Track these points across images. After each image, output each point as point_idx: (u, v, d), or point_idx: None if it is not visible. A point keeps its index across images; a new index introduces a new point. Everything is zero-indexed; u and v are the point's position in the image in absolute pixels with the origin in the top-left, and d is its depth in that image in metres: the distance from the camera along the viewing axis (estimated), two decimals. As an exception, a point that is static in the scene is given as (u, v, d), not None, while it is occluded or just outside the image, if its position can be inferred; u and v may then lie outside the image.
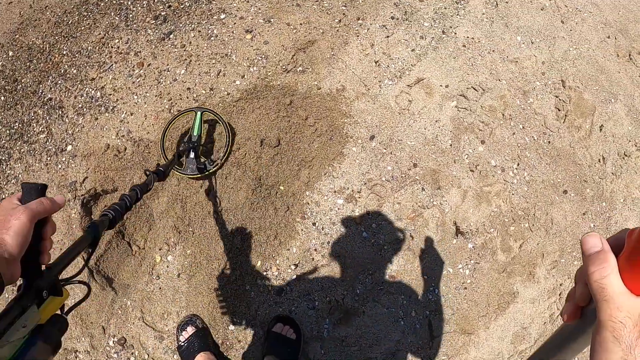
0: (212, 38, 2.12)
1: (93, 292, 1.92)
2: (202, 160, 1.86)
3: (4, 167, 2.17)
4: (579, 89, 2.13)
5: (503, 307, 1.83)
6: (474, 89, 2.03)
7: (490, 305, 1.82)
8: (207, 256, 1.85)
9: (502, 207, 1.90)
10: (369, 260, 1.79)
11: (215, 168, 1.84)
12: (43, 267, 0.77)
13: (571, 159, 2.02)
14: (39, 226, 0.75)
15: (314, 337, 1.73)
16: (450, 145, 1.94)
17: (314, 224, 1.83)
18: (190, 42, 2.13)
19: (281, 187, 1.84)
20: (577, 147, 2.03)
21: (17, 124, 2.23)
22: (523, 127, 2.02)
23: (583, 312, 0.53)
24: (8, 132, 2.23)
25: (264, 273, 1.80)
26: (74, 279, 0.86)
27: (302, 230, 1.82)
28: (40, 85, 2.27)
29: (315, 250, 1.80)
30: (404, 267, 1.80)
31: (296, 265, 1.79)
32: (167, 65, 2.10)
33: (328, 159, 1.87)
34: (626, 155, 2.05)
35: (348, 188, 1.86)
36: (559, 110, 2.08)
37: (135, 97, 2.07)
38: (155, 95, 2.05)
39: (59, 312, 0.80)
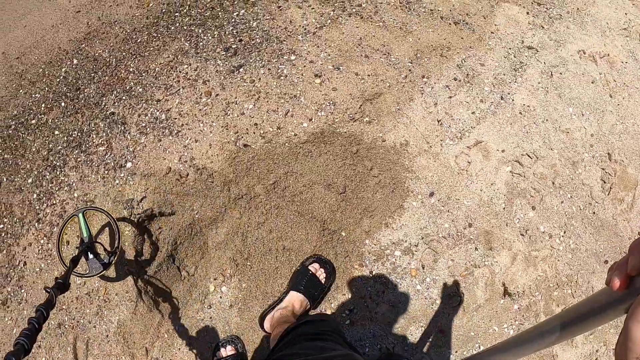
0: (282, 77, 2.20)
1: (139, 312, 1.94)
2: (101, 255, 1.85)
3: (57, 173, 2.20)
4: (623, 163, 2.24)
5: (542, 370, 1.90)
6: (528, 156, 2.13)
7: (530, 367, 1.89)
8: (263, 292, 1.90)
9: (548, 272, 1.99)
10: (420, 312, 1.86)
11: (114, 258, 1.83)
12: None
13: (613, 231, 2.12)
14: None
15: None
16: (504, 208, 2.03)
17: (370, 272, 1.89)
18: (260, 79, 2.20)
19: (343, 233, 1.91)
20: (619, 220, 2.13)
21: (75, 132, 2.27)
22: (571, 197, 2.11)
23: (632, 281, 0.53)
24: (66, 138, 2.27)
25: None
26: None
27: (358, 276, 1.88)
28: (104, 98, 2.32)
29: (370, 298, 1.87)
30: (453, 323, 1.87)
31: (350, 311, 1.85)
32: (235, 97, 2.16)
33: (389, 211, 1.94)
34: (667, 232, 2.16)
35: (406, 241, 1.93)
36: (605, 182, 2.18)
37: (201, 124, 2.13)
38: (222, 126, 2.11)
39: None
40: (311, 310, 1.87)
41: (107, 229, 1.99)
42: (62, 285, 1.37)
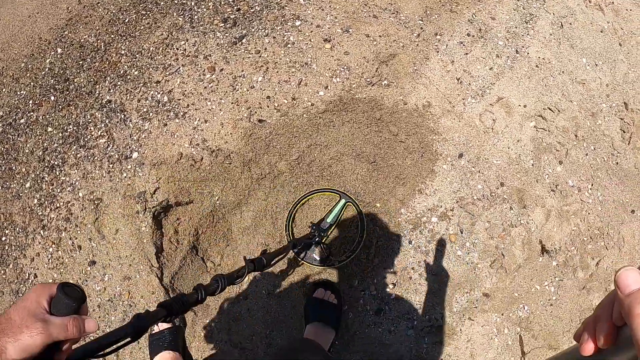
0: (289, 45, 2.06)
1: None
2: (326, 253, 1.74)
3: (57, 173, 2.03)
4: None
5: (585, 323, 1.89)
6: (550, 109, 2.08)
7: (572, 321, 1.88)
8: (300, 274, 1.80)
9: (580, 226, 1.96)
10: (464, 278, 1.81)
11: (325, 267, 1.73)
12: None
13: (636, 180, 2.11)
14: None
15: (413, 358, 1.73)
16: (532, 165, 1.98)
17: (410, 242, 1.82)
18: (266, 49, 2.06)
19: (378, 205, 1.82)
20: (642, 168, 2.12)
21: (71, 127, 2.09)
22: (594, 149, 2.09)
23: (620, 333, 0.46)
24: (61, 134, 2.09)
25: (362, 292, 1.77)
26: None
27: (399, 248, 1.81)
28: (97, 86, 2.13)
29: (413, 269, 1.80)
30: (496, 285, 1.82)
31: (394, 285, 1.78)
32: (242, 71, 2.02)
33: (421, 176, 1.86)
34: (685, 177, 2.16)
35: (441, 206, 1.86)
36: (624, 132, 2.16)
37: (209, 103, 1.98)
38: (232, 103, 1.97)
39: None
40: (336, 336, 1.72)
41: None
42: (261, 264, 1.18)
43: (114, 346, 0.72)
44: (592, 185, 2.03)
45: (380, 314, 1.76)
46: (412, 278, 1.79)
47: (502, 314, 1.81)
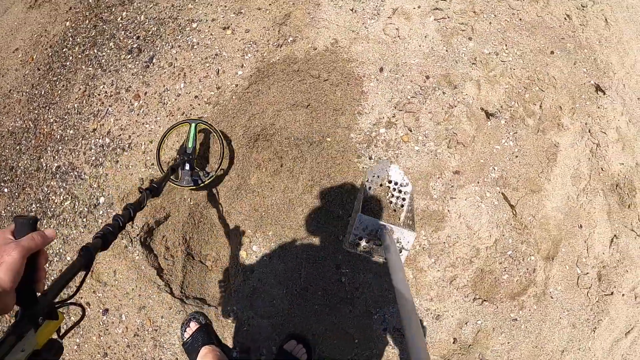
0: (195, 46, 2.18)
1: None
2: (197, 171, 1.86)
3: (41, 251, 2.09)
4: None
5: (552, 158, 2.02)
6: (442, -1, 2.24)
7: (542, 162, 2.01)
8: (289, 226, 1.90)
9: (511, 82, 2.11)
10: (430, 166, 1.93)
11: (209, 180, 1.85)
12: (38, 293, 0.79)
13: (544, 25, 2.27)
14: (32, 258, 0.78)
15: (418, 250, 1.83)
16: (446, 50, 2.13)
17: (370, 157, 1.93)
18: (176, 59, 2.18)
19: (328, 139, 1.93)
20: (544, 14, 2.29)
21: (33, 205, 2.17)
22: (495, 15, 2.25)
23: None
24: (28, 217, 2.15)
25: (348, 218, 1.88)
26: (68, 302, 0.88)
27: (363, 167, 1.92)
28: (41, 160, 2.22)
29: (380, 177, 1.91)
30: (461, 160, 1.95)
31: (373, 197, 1.89)
32: (164, 85, 2.13)
33: (355, 100, 1.99)
34: (583, 7, 2.34)
35: (383, 117, 1.99)
36: (513, -8, 2.33)
37: (147, 125, 2.08)
38: (166, 116, 2.07)
39: (55, 335, 0.83)
40: None
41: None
42: (155, 189, 1.35)
43: (78, 286, 0.92)
44: (506, 46, 2.19)
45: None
46: (385, 185, 1.90)
47: (478, 182, 1.94)
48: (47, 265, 2.06)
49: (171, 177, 1.78)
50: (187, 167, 1.83)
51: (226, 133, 1.99)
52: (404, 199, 1.82)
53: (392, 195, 1.84)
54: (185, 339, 1.81)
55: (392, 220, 1.80)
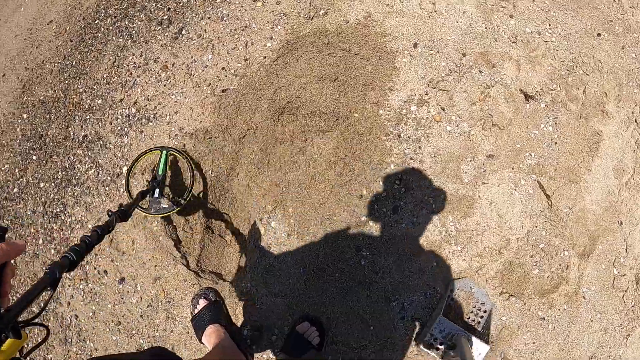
0: (225, 18, 2.14)
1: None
2: (167, 199, 1.83)
3: (63, 218, 2.10)
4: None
5: (594, 148, 1.89)
6: (482, -25, 2.12)
7: (583, 151, 1.88)
8: (310, 203, 1.84)
9: (554, 63, 1.98)
10: (463, 148, 1.83)
11: (175, 210, 1.81)
12: (1, 310, 0.75)
13: (590, 6, 2.13)
14: None
15: (443, 237, 1.74)
16: (486, 28, 2.01)
17: (399, 136, 1.85)
18: (205, 30, 2.14)
19: (356, 115, 1.86)
20: (591, -7, 2.15)
21: (60, 173, 2.18)
22: (538, -7, 2.12)
23: None
24: (54, 184, 2.17)
25: (374, 198, 1.80)
26: (33, 321, 0.84)
27: (391, 145, 1.84)
28: (69, 129, 2.22)
29: (411, 158, 1.82)
30: (496, 144, 1.84)
31: (400, 180, 1.81)
32: (192, 57, 2.10)
33: (386, 76, 1.91)
34: (634, -13, 2.18)
35: (415, 94, 1.90)
36: (561, -31, 2.19)
37: (173, 96, 2.06)
38: (193, 87, 2.04)
39: (17, 354, 0.79)
40: None
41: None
42: (124, 213, 1.33)
43: (43, 305, 0.88)
44: (549, 25, 2.06)
45: (397, 211, 1.78)
46: (414, 167, 1.81)
47: (513, 168, 1.83)
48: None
49: (139, 203, 1.74)
50: (157, 194, 1.80)
51: (198, 162, 1.95)
52: (482, 317, 1.74)
53: (473, 308, 1.75)
54: (193, 315, 1.77)
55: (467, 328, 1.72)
